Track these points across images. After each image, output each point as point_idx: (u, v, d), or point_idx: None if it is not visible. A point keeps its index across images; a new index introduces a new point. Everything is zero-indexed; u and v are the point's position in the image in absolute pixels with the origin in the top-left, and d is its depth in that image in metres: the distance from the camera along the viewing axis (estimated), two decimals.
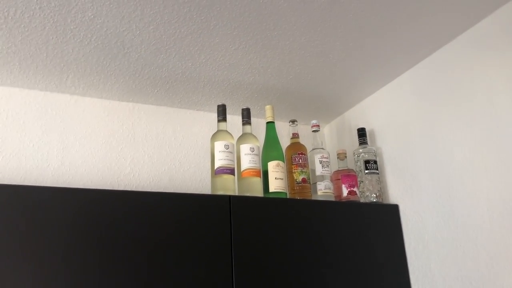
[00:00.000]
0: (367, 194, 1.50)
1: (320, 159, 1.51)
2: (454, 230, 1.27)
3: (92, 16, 1.15)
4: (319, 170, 1.50)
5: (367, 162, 1.53)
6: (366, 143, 1.57)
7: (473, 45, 1.26)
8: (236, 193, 1.41)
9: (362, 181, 1.53)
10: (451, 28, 1.28)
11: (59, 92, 1.52)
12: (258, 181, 1.39)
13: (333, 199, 1.48)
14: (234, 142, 1.43)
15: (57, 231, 1.05)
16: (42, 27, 1.17)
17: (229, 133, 1.42)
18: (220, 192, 1.33)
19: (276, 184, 1.40)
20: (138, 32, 1.22)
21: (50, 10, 1.11)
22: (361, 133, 1.58)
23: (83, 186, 1.45)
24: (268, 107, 1.54)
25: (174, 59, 1.36)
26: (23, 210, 1.04)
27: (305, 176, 1.45)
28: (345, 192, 1.50)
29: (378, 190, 1.51)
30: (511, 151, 1.13)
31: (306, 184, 1.44)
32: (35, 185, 1.38)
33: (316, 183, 1.49)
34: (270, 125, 1.52)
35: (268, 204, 1.30)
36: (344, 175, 1.52)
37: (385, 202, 1.54)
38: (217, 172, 1.35)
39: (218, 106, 1.46)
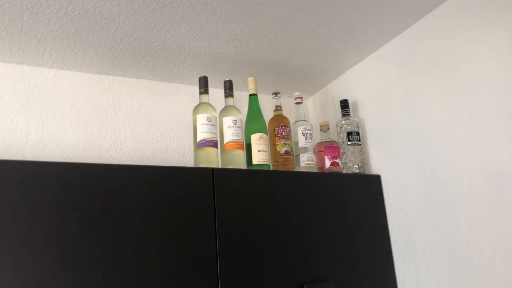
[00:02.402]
0: (350, 165, 1.51)
1: (303, 131, 1.51)
2: (435, 199, 1.29)
3: None
4: (302, 142, 1.50)
5: (349, 133, 1.53)
6: (348, 114, 1.57)
7: (455, 14, 1.26)
8: (219, 166, 1.41)
9: (345, 153, 1.53)
10: None
11: (37, 66, 1.49)
12: (241, 154, 1.39)
13: (316, 170, 1.49)
14: (217, 114, 1.42)
15: (37, 204, 1.04)
16: None
17: (211, 105, 1.41)
18: (203, 165, 1.33)
19: (259, 157, 1.40)
20: (115, 1, 1.19)
21: None
22: (344, 104, 1.58)
23: (63, 160, 1.44)
24: (250, 79, 1.52)
25: (154, 30, 1.33)
26: (2, 184, 1.02)
27: (288, 148, 1.45)
28: (327, 163, 1.51)
29: (361, 161, 1.52)
30: (491, 121, 1.14)
31: (289, 156, 1.45)
32: (15, 159, 1.35)
33: (299, 155, 1.49)
34: (253, 97, 1.51)
35: (251, 177, 1.30)
36: (327, 147, 1.53)
37: (367, 172, 1.56)
38: (199, 145, 1.35)
39: (200, 78, 1.44)
